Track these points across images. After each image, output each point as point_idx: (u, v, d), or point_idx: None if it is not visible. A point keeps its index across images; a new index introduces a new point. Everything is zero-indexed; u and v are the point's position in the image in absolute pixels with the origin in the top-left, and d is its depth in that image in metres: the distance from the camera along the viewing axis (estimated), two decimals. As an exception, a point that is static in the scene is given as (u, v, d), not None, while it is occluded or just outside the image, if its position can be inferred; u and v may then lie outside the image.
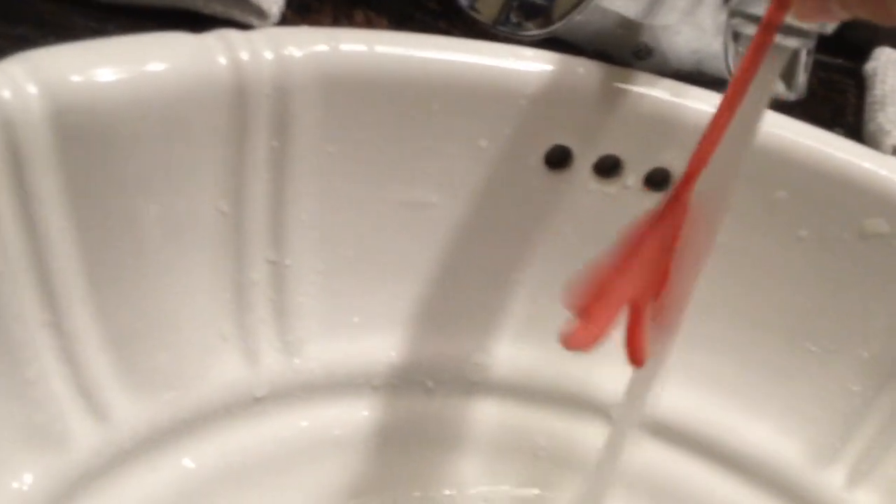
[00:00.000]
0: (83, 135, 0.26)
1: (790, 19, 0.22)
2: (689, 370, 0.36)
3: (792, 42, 0.23)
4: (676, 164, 0.34)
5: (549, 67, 0.33)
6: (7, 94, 0.25)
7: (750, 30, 0.23)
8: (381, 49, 0.31)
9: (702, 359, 0.36)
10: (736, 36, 0.35)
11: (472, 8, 0.35)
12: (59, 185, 0.26)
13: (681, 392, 0.36)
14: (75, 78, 0.26)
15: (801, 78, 0.37)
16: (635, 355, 0.27)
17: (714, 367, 0.36)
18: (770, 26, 0.22)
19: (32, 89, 0.25)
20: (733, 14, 0.23)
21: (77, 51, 0.27)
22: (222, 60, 0.28)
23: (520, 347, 0.36)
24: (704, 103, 0.33)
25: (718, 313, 0.36)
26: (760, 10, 0.22)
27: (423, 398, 0.36)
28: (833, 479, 0.35)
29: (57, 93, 0.26)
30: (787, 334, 0.35)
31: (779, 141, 0.34)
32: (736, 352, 0.36)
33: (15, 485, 0.28)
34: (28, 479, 0.28)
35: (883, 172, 0.33)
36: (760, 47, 0.22)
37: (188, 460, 0.32)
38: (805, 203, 0.34)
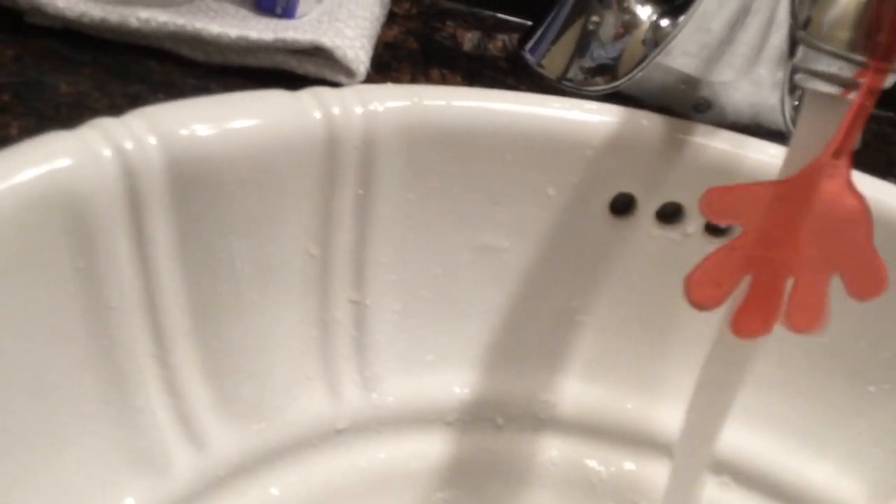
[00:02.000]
0: (191, 183, 0.29)
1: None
2: (752, 411, 0.37)
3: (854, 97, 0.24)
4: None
5: (613, 119, 0.35)
6: (130, 144, 0.27)
7: (812, 84, 0.24)
8: (458, 103, 0.34)
9: (761, 399, 0.37)
10: (793, 90, 0.37)
11: (540, 65, 0.38)
12: (170, 228, 0.29)
13: (744, 432, 0.37)
14: (184, 132, 0.29)
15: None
16: (740, 325, 0.28)
17: (773, 407, 0.37)
18: (872, 91, 0.23)
19: (152, 140, 0.28)
20: (795, 70, 0.25)
21: (187, 107, 0.29)
22: (316, 115, 0.31)
23: (586, 386, 0.38)
24: (762, 153, 0.35)
25: (779, 356, 0.37)
26: (823, 65, 0.24)
27: (493, 434, 0.37)
28: (894, 516, 0.36)
29: (170, 145, 0.28)
30: (846, 376, 0.36)
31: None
32: (797, 393, 0.37)
33: (118, 507, 0.30)
34: (130, 502, 0.30)
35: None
36: (861, 111, 0.23)
37: (274, 489, 0.34)
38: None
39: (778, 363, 0.37)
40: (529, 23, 0.40)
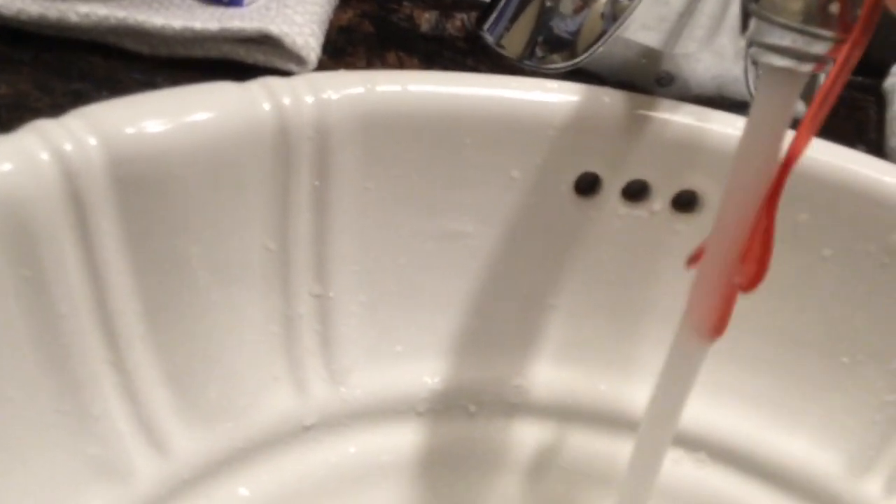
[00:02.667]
0: (138, 183, 0.28)
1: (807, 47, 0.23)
2: (723, 386, 0.37)
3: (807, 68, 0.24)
4: (702, 185, 0.35)
5: (574, 98, 0.34)
6: (69, 146, 0.26)
7: (766, 58, 0.24)
8: (414, 88, 0.33)
9: (735, 374, 0.37)
10: (755, 61, 0.37)
11: (499, 44, 0.37)
12: (117, 231, 0.28)
13: (716, 408, 0.37)
14: (129, 130, 0.28)
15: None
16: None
17: (747, 382, 0.37)
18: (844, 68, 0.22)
19: (92, 141, 0.27)
20: (750, 44, 0.24)
21: (130, 104, 0.28)
22: (266, 106, 0.30)
23: (558, 369, 0.37)
24: (727, 126, 0.35)
25: (750, 330, 0.36)
26: (776, 39, 0.23)
27: (465, 422, 0.37)
28: (870, 488, 0.36)
29: (113, 144, 0.27)
30: (819, 348, 0.36)
31: (802, 161, 0.35)
32: (769, 367, 0.37)
33: (82, 517, 0.29)
34: (94, 511, 0.30)
35: (907, 187, 0.34)
36: (846, 65, 0.22)
37: (243, 489, 0.33)
38: (829, 222, 0.35)
39: (750, 337, 0.36)
40: (487, 0, 0.39)
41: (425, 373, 0.36)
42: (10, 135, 0.26)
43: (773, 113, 0.24)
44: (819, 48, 0.23)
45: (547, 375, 0.37)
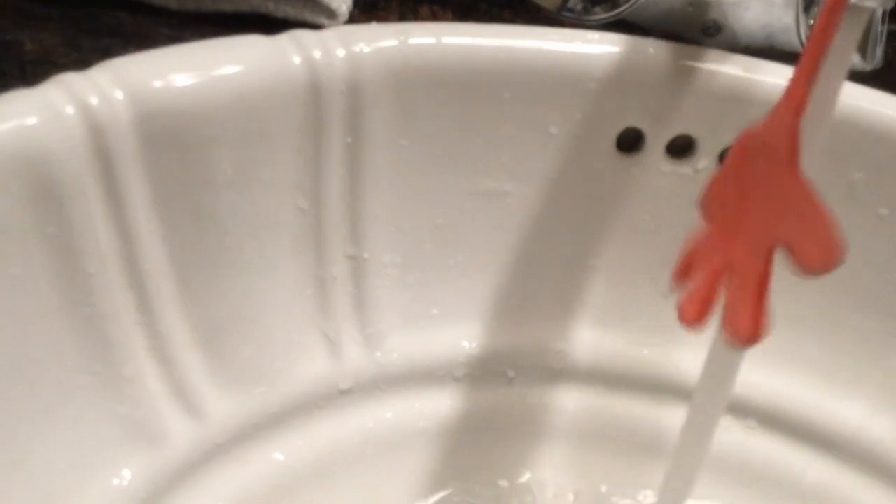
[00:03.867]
0: (166, 138, 0.27)
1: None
2: (775, 349, 0.35)
3: (869, 2, 0.22)
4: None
5: (616, 49, 0.33)
6: (95, 100, 0.26)
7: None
8: (448, 40, 0.31)
9: (788, 338, 0.35)
10: (807, 7, 0.35)
11: (537, -4, 0.36)
12: (145, 188, 0.27)
13: (768, 372, 0.35)
14: (157, 83, 0.27)
15: (878, 47, 0.36)
16: (736, 329, 0.23)
17: (801, 345, 0.35)
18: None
19: (119, 95, 0.26)
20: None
21: (157, 57, 0.28)
22: (296, 60, 0.29)
23: (600, 333, 0.36)
24: (778, 77, 0.33)
25: (804, 293, 0.35)
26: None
27: (504, 387, 0.36)
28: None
29: (141, 98, 0.26)
30: (876, 310, 0.35)
31: (856, 114, 0.33)
32: (823, 330, 0.35)
33: (115, 481, 0.29)
34: (127, 474, 0.29)
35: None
36: (837, 5, 0.21)
37: (278, 453, 0.32)
38: (885, 180, 0.33)
39: (803, 300, 0.35)
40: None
41: (463, 336, 0.35)
42: (35, 88, 0.26)
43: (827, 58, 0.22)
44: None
45: (589, 339, 0.36)
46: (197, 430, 0.30)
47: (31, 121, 0.25)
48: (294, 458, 0.33)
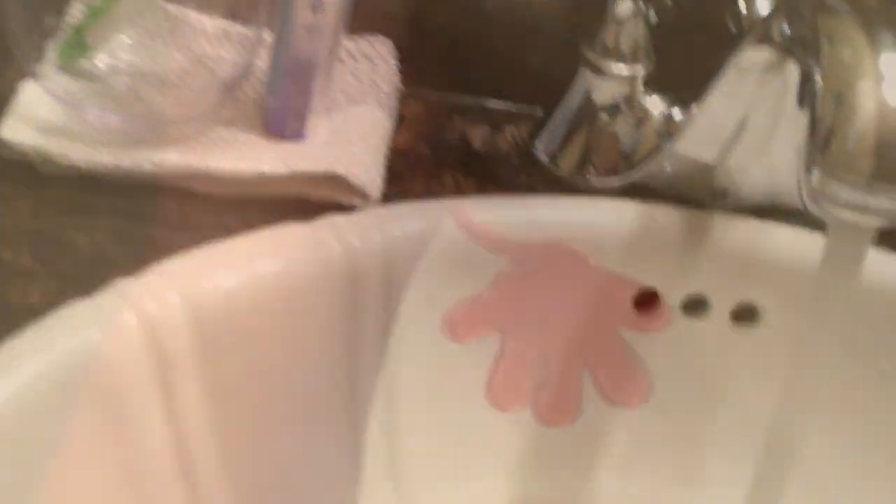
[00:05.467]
0: (215, 335, 0.29)
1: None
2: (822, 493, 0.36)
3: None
4: (762, 299, 0.36)
5: (630, 216, 0.35)
6: (153, 306, 0.27)
7: (834, 212, 0.24)
8: (476, 218, 0.34)
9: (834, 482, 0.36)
10: (808, 168, 0.37)
11: (553, 162, 0.38)
12: (198, 382, 0.29)
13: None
14: (206, 284, 0.29)
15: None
16: None
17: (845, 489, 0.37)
18: None
19: (174, 299, 0.28)
20: (812, 195, 0.24)
21: (208, 257, 0.29)
22: (335, 248, 0.31)
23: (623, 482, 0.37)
24: (784, 239, 0.35)
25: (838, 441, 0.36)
26: (844, 194, 0.24)
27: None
28: None
29: (192, 300, 0.28)
30: None
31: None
32: (863, 475, 0.36)
33: None
34: None
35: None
36: None
37: None
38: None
39: (840, 450, 0.36)
40: (536, 108, 0.40)
41: (496, 489, 0.37)
42: (95, 298, 0.27)
43: (841, 266, 0.24)
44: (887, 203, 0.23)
45: (612, 488, 0.37)
46: None
47: (96, 334, 0.26)
48: None
